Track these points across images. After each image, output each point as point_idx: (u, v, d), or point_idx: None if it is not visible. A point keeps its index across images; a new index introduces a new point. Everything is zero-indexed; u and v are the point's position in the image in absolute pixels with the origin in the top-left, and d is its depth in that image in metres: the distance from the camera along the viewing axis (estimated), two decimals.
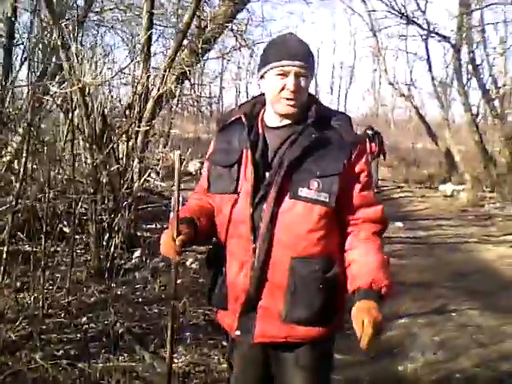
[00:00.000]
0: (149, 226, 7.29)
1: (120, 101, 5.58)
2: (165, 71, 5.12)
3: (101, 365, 3.38)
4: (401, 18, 13.61)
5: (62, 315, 4.11)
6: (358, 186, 1.92)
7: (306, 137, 1.89)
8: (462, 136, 18.05)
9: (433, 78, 16.48)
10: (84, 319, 4.08)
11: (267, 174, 1.92)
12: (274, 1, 12.42)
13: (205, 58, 10.91)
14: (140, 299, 4.61)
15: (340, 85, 44.60)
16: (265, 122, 2.01)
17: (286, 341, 1.93)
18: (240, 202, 1.95)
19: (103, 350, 3.59)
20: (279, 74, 1.89)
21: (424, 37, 15.40)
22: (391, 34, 18.12)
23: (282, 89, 1.88)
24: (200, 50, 9.33)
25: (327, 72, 67.98)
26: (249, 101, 2.11)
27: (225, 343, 3.28)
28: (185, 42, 9.43)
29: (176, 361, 3.48)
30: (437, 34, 13.85)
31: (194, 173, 13.55)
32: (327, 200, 1.86)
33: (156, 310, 4.36)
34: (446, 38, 13.72)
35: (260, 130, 1.99)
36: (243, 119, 1.99)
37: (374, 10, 16.63)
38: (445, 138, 17.10)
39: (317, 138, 1.88)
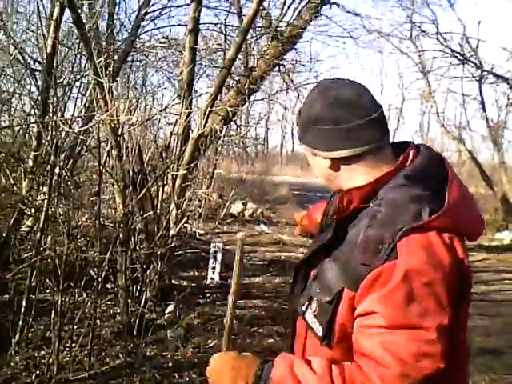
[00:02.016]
0: (186, 274, 6.84)
1: (156, 141, 5.19)
2: (206, 109, 4.73)
3: None
4: (456, 57, 13.09)
5: (81, 381, 3.64)
6: (355, 327, 1.23)
7: (327, 232, 1.38)
8: None
9: (487, 120, 15.77)
10: None
11: None
12: (324, 39, 12.23)
13: (251, 98, 10.72)
14: (170, 363, 4.09)
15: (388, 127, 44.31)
16: None
17: None
18: None
19: None
20: None
21: (477, 77, 14.81)
22: (440, 76, 17.60)
23: None
24: (247, 91, 9.11)
25: None
26: None
27: None
28: (231, 82, 9.24)
29: None
30: (493, 74, 13.23)
31: (236, 215, 13.18)
32: (320, 334, 1.29)
33: (187, 379, 3.84)
34: (503, 79, 13.08)
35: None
36: None
37: (424, 50, 16.17)
38: (500, 183, 16.27)
39: (332, 239, 1.33)
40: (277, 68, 10.07)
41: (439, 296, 1.14)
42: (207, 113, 4.69)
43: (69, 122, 4.53)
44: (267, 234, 11.37)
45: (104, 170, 4.24)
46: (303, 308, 1.36)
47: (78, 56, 6.53)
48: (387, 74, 57.01)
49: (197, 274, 6.89)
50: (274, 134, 47.59)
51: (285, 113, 26.85)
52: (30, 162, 5.22)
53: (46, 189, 5.60)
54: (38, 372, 3.62)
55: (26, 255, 4.57)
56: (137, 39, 6.74)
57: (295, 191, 22.46)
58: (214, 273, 6.59)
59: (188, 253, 7.30)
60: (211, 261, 6.64)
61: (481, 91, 15.16)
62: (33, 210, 5.09)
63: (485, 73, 13.66)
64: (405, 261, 1.15)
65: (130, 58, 7.63)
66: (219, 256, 6.63)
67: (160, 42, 7.68)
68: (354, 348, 1.22)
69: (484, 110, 15.61)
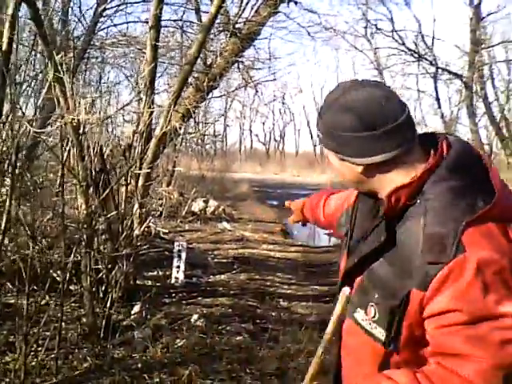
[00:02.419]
0: (150, 274, 6.76)
1: (118, 140, 5.11)
2: (169, 108, 4.68)
3: None
4: (411, 55, 13.35)
5: None
6: (431, 327, 1.21)
7: (376, 236, 1.34)
8: None
9: (442, 116, 16.16)
10: None
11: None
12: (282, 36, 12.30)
13: (209, 95, 10.67)
14: (139, 364, 4.04)
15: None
16: None
17: None
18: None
19: None
20: None
21: (432, 74, 15.14)
22: (396, 73, 17.96)
23: None
24: (206, 88, 9.07)
25: None
26: None
27: None
28: (190, 79, 9.18)
29: None
30: (447, 71, 13.54)
31: (198, 213, 13.10)
32: (383, 338, 1.27)
33: (157, 380, 3.79)
34: (457, 76, 13.41)
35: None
36: None
37: (380, 48, 16.45)
38: None
39: (385, 241, 1.30)
40: (235, 65, 10.08)
41: (508, 282, 1.15)
42: (171, 111, 4.64)
43: (30, 121, 4.40)
44: (230, 231, 11.35)
45: (66, 170, 4.14)
46: (355, 315, 1.35)
47: (33, 53, 6.38)
48: (343, 71, 57.57)
49: (161, 273, 6.81)
50: (232, 131, 47.54)
51: (243, 110, 26.82)
52: None
53: (4, 190, 5.45)
54: (6, 379, 3.51)
55: None
56: (94, 36, 6.61)
57: (255, 188, 22.53)
58: (178, 272, 6.53)
59: (151, 252, 7.23)
60: (175, 260, 6.58)
61: (436, 87, 15.53)
62: None
63: (439, 70, 13.97)
64: (474, 253, 1.15)
65: (86, 55, 7.49)
66: (183, 255, 6.57)
67: (117, 40, 7.56)
68: (434, 349, 1.21)
69: (439, 106, 15.98)
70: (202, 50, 5.66)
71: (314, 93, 77.25)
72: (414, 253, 1.21)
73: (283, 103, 41.94)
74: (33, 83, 6.65)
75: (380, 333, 1.27)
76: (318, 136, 1.41)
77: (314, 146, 46.51)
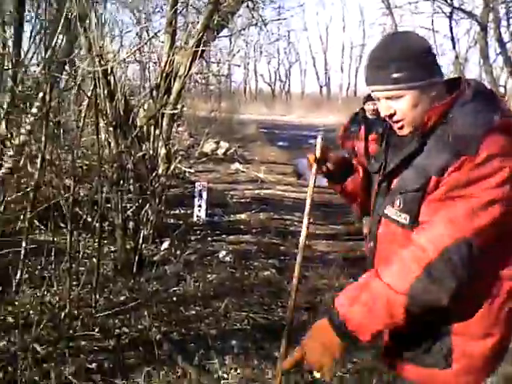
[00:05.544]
0: (172, 212, 6.86)
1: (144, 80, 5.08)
2: (197, 47, 4.63)
3: (139, 380, 2.99)
4: None
5: (90, 317, 3.70)
6: (432, 206, 1.48)
7: (410, 146, 1.58)
8: None
9: (457, 57, 15.84)
10: (115, 322, 3.69)
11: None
12: None
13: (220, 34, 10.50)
14: (174, 298, 4.19)
15: (350, 64, 44.56)
16: None
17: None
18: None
19: (140, 362, 3.19)
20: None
21: (448, 14, 14.75)
22: (409, 11, 17.50)
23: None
24: (216, 26, 8.90)
25: (337, 51, 67.33)
26: None
27: (276, 354, 2.86)
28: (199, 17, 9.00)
29: (225, 376, 3.08)
30: (462, 10, 13.19)
31: (209, 153, 13.12)
32: (406, 222, 1.54)
33: (193, 312, 3.95)
34: (472, 15, 13.07)
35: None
36: None
37: None
38: None
39: (418, 146, 1.55)
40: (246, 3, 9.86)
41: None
42: (199, 52, 4.60)
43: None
44: (243, 172, 11.40)
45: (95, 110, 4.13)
46: (386, 211, 1.61)
47: None
48: (349, 9, 56.06)
49: (182, 212, 6.93)
50: (236, 72, 46.78)
51: (247, 49, 26.29)
52: (5, 104, 5.07)
53: (23, 130, 5.46)
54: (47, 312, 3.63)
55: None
56: None
57: (263, 129, 22.41)
58: (200, 211, 6.64)
59: (172, 192, 7.31)
60: (197, 199, 6.68)
61: (451, 27, 15.17)
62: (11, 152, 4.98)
63: (454, 9, 13.60)
64: (485, 151, 1.42)
65: None
66: (204, 194, 6.67)
67: None
68: None
69: (454, 47, 15.62)
70: None
71: (320, 31, 75.57)
72: (441, 151, 1.48)
73: (289, 42, 41.15)
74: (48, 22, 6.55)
75: (404, 218, 1.54)
76: (390, 89, 1.58)
77: (320, 86, 45.99)
